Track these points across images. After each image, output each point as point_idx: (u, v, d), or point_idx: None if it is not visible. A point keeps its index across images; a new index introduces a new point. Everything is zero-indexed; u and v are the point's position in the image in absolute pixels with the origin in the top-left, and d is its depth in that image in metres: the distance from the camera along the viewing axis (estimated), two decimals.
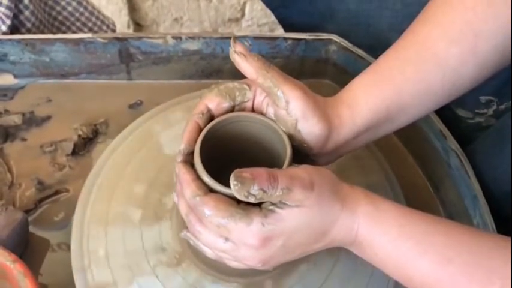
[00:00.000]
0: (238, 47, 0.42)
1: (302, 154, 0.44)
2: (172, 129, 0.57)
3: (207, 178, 0.40)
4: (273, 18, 0.76)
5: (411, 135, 0.60)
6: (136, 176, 0.53)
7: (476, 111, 0.62)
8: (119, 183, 0.53)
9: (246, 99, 0.44)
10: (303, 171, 0.39)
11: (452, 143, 0.56)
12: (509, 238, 0.38)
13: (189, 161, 0.42)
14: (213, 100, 0.44)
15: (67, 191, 0.56)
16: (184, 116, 0.57)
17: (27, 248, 0.52)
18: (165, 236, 0.49)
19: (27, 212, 0.54)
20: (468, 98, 0.59)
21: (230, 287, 0.47)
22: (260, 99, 0.44)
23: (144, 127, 0.57)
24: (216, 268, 0.47)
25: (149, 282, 0.47)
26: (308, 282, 0.47)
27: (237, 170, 0.37)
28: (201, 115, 0.43)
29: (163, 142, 0.56)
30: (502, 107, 0.61)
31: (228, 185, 0.39)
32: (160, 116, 0.58)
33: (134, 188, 0.52)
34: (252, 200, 0.37)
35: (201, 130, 0.43)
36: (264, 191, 0.37)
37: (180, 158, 0.42)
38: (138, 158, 0.55)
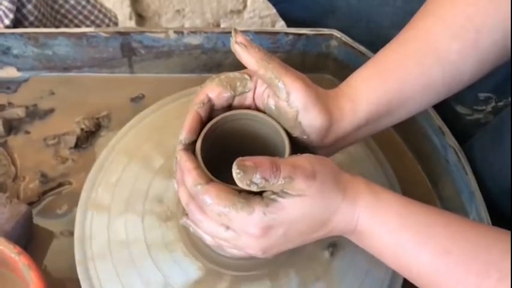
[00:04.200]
0: (240, 38, 0.42)
1: (302, 147, 0.44)
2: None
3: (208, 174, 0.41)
4: (274, 10, 0.76)
5: (410, 131, 0.61)
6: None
7: (475, 107, 0.62)
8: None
9: (246, 90, 0.44)
10: (305, 160, 0.39)
11: (451, 140, 0.56)
12: (508, 231, 0.39)
13: (189, 150, 0.43)
14: (214, 90, 0.44)
15: (70, 183, 0.57)
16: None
17: (31, 240, 0.52)
18: (169, 193, 0.51)
19: (31, 204, 0.55)
20: (467, 95, 0.59)
21: (193, 264, 0.48)
22: (261, 90, 0.44)
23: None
24: (193, 244, 0.49)
25: (133, 223, 0.50)
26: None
27: (239, 159, 0.37)
28: (201, 105, 0.44)
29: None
30: (501, 103, 0.61)
31: (228, 183, 0.40)
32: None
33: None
34: (254, 188, 0.37)
35: (201, 120, 0.44)
36: (266, 180, 0.37)
37: (180, 147, 0.43)
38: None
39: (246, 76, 0.44)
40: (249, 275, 0.48)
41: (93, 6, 0.75)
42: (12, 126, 0.61)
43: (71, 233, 0.51)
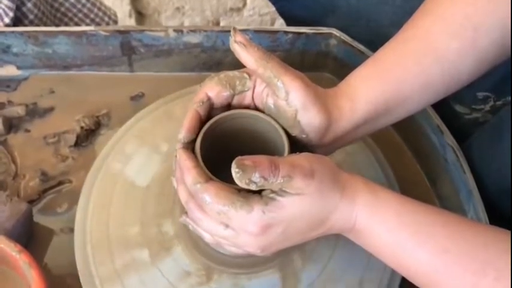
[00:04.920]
0: (239, 37, 0.42)
1: (300, 146, 0.44)
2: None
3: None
4: (274, 8, 0.76)
5: (409, 130, 0.61)
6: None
7: (474, 107, 0.62)
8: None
9: (246, 89, 0.44)
10: (304, 159, 0.40)
11: (449, 139, 0.56)
12: (506, 231, 0.39)
13: (188, 149, 0.43)
14: (213, 89, 0.44)
15: (70, 182, 0.57)
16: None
17: (31, 238, 0.53)
18: (182, 261, 0.49)
19: (31, 202, 0.55)
20: (466, 94, 0.60)
21: (268, 275, 0.48)
22: (260, 89, 0.44)
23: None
24: (246, 266, 0.48)
25: None
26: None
27: (238, 158, 0.38)
28: (201, 104, 0.44)
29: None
30: (499, 103, 0.61)
31: (227, 182, 0.40)
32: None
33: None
34: (253, 187, 0.38)
35: (201, 119, 0.44)
36: (265, 179, 0.37)
37: (180, 146, 0.43)
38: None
39: (245, 75, 0.45)
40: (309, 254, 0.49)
41: (93, 4, 0.75)
42: (12, 125, 0.61)
43: (71, 230, 0.52)
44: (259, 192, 0.40)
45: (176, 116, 0.57)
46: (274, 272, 0.48)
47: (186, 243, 0.49)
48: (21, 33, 0.61)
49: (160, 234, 0.50)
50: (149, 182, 0.53)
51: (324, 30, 0.63)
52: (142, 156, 0.55)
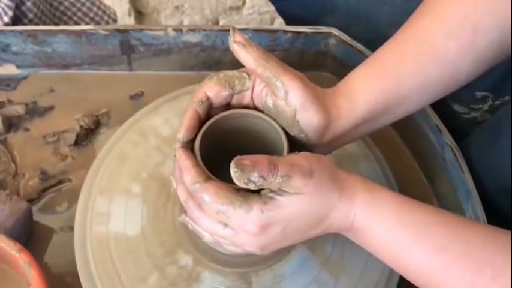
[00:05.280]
0: (238, 37, 0.42)
1: (299, 145, 0.44)
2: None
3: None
4: (274, 7, 0.76)
5: (408, 129, 0.61)
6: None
7: (472, 106, 0.62)
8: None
9: (245, 88, 0.44)
10: (302, 158, 0.40)
11: (448, 138, 0.56)
12: (504, 230, 0.39)
13: (188, 148, 0.43)
14: (212, 88, 0.44)
15: (70, 181, 0.57)
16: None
17: (31, 237, 0.53)
18: (217, 282, 0.47)
19: (31, 201, 0.55)
20: (464, 94, 0.60)
21: (298, 252, 0.49)
22: (259, 89, 0.44)
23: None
24: (273, 256, 0.48)
25: None
26: None
27: (237, 157, 0.38)
28: (200, 103, 0.44)
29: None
30: (498, 102, 0.61)
31: (227, 181, 0.40)
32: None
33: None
34: (251, 186, 0.38)
35: (200, 118, 0.44)
36: (264, 178, 0.37)
37: (179, 145, 0.43)
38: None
39: (245, 75, 0.45)
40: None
41: (92, 3, 0.75)
42: (11, 124, 0.61)
43: (71, 229, 0.52)
44: (258, 191, 0.40)
45: (129, 155, 0.55)
46: (301, 246, 0.49)
47: (210, 265, 0.48)
48: (21, 32, 0.61)
49: (181, 269, 0.48)
50: (142, 228, 0.50)
51: (323, 29, 0.63)
52: (120, 206, 0.52)
